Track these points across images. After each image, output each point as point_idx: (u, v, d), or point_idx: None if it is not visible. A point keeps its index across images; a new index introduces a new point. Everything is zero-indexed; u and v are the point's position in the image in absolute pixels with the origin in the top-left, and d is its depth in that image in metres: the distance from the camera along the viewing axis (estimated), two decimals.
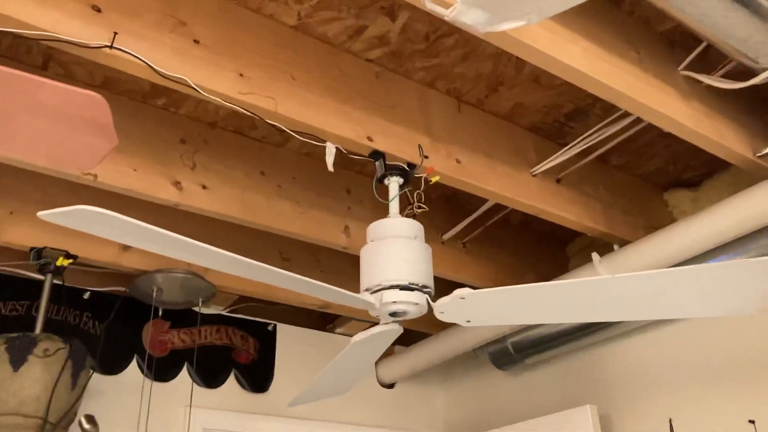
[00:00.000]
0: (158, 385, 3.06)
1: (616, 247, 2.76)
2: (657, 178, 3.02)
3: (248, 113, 1.95)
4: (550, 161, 2.52)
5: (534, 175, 2.58)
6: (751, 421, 2.54)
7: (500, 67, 2.34)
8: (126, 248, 2.84)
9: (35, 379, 2.30)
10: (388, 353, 3.88)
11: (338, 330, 3.80)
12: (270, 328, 3.51)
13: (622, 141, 2.77)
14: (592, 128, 2.50)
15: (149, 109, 2.44)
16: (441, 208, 3.12)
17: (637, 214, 2.91)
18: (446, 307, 1.93)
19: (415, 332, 3.77)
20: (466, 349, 3.31)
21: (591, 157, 2.59)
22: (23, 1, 1.63)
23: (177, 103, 2.44)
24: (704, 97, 2.26)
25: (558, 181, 2.65)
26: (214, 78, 1.90)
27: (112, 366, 2.98)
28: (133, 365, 3.04)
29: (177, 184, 2.40)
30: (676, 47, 2.25)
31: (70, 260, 2.63)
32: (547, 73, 2.34)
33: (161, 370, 3.09)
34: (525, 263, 3.31)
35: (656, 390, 2.91)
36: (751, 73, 2.06)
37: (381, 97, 2.27)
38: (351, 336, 3.98)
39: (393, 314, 1.98)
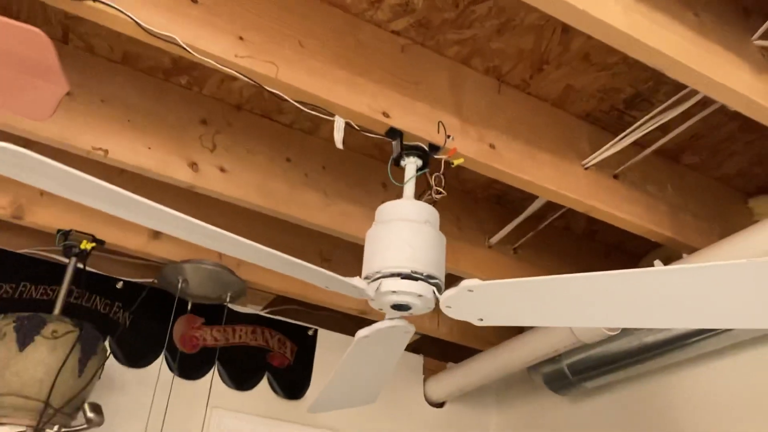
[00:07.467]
0: (184, 383, 2.93)
1: (684, 255, 2.40)
2: (740, 182, 2.62)
3: (244, 78, 1.79)
4: (603, 152, 2.21)
5: (586, 168, 2.28)
6: None
7: (543, 41, 2.08)
8: (155, 236, 2.76)
9: (39, 360, 2.22)
10: (438, 369, 3.61)
11: None
12: (310, 332, 3.33)
13: (694, 137, 2.42)
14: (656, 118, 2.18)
15: (171, 87, 2.34)
16: (490, 209, 2.85)
17: (713, 220, 2.52)
18: (453, 301, 1.67)
19: (469, 348, 3.49)
20: (516, 368, 2.99)
21: (652, 148, 2.26)
22: None
23: (200, 82, 2.33)
24: None
25: (615, 177, 2.33)
26: (209, 39, 1.75)
27: (138, 358, 2.88)
28: (160, 360, 2.93)
29: (193, 165, 2.28)
30: (753, 16, 1.91)
31: (94, 244, 2.56)
32: (598, 50, 2.07)
33: (189, 367, 2.96)
34: None
35: (729, 426, 2.49)
36: None
37: (404, 71, 2.05)
38: None
39: (396, 307, 1.74)
